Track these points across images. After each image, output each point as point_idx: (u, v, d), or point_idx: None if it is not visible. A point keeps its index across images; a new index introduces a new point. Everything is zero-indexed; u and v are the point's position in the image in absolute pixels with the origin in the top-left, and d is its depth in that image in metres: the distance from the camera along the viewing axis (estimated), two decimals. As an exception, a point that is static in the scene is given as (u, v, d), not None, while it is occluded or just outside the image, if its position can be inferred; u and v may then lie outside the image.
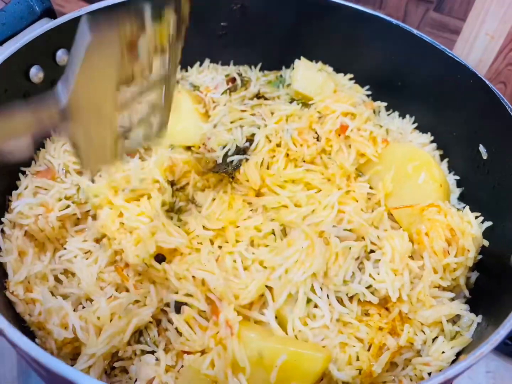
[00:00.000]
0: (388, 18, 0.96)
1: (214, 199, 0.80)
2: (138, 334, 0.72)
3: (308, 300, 0.66)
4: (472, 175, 0.87)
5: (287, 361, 0.60)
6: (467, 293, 0.71)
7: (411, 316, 0.67)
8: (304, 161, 0.84)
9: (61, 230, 0.80)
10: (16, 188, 0.81)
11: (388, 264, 0.69)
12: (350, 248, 0.69)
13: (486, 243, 0.75)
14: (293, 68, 1.01)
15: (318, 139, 0.84)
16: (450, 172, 0.93)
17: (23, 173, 0.84)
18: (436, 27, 1.15)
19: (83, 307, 0.73)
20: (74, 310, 0.70)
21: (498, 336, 0.55)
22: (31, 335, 0.69)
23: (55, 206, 0.78)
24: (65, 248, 0.78)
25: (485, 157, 0.83)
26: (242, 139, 0.85)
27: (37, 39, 0.81)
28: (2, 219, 0.76)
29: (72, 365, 0.66)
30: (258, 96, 0.99)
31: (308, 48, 1.05)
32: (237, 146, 0.84)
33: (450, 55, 0.88)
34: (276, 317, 0.67)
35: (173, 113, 0.91)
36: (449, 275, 0.69)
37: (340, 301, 0.67)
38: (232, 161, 0.82)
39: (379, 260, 0.70)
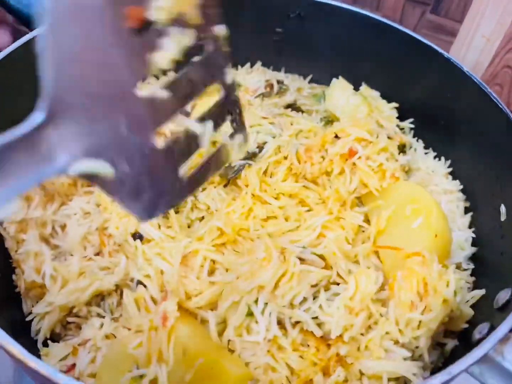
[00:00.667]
0: (446, 54, 0.90)
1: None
2: (101, 299, 0.76)
3: (251, 313, 0.65)
4: (488, 235, 0.78)
5: (203, 366, 0.59)
6: (426, 357, 0.64)
7: (350, 360, 0.62)
8: (305, 179, 0.82)
9: (70, 188, 0.87)
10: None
11: (345, 300, 0.64)
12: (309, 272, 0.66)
13: (470, 312, 0.67)
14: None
15: (324, 159, 0.81)
16: (470, 228, 0.84)
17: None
18: (433, 29, 1.16)
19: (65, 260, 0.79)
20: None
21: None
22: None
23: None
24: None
25: (502, 219, 0.74)
26: (254, 144, 0.85)
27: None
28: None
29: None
30: (293, 106, 0.99)
31: (359, 68, 1.02)
32: (247, 151, 0.85)
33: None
34: (224, 322, 0.67)
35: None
36: (410, 332, 0.63)
37: (281, 323, 0.65)
38: (234, 166, 0.83)
39: (339, 294, 0.66)
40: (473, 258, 0.81)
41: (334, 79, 1.00)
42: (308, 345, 0.63)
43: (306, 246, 0.71)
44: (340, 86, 0.98)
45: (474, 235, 0.82)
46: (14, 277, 0.76)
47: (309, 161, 0.81)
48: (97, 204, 0.85)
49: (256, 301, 0.65)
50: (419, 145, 0.97)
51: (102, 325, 0.70)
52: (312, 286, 0.66)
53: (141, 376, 0.61)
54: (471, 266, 0.80)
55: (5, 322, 0.68)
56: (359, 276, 0.67)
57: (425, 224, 0.71)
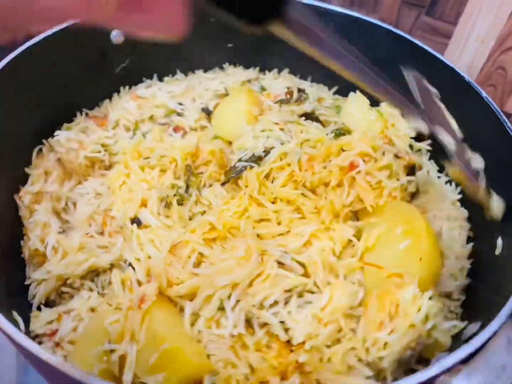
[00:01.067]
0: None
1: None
2: (95, 275, 0.81)
3: (223, 308, 0.67)
4: (484, 267, 0.76)
5: (167, 351, 0.62)
6: (389, 380, 0.63)
7: (309, 369, 0.62)
8: (305, 187, 0.82)
9: (87, 169, 0.93)
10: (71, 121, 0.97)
11: (315, 310, 0.65)
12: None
13: (447, 341, 0.66)
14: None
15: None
16: (470, 258, 0.81)
17: (84, 113, 1.00)
18: (428, 31, 1.18)
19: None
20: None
21: None
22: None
23: (89, 147, 0.92)
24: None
25: (497, 252, 0.71)
26: (261, 148, 0.87)
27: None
28: (44, 141, 0.91)
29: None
30: (311, 116, 1.00)
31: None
32: (253, 154, 0.87)
33: None
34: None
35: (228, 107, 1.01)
36: (376, 352, 0.63)
37: (250, 322, 0.66)
38: (237, 166, 0.85)
39: (311, 302, 0.67)
40: (467, 289, 0.79)
41: (351, 93, 1.00)
42: (271, 348, 0.64)
43: (290, 252, 0.72)
44: (357, 100, 0.98)
45: (470, 266, 0.80)
46: (21, 243, 0.83)
47: (310, 170, 0.81)
48: (109, 187, 0.91)
49: (229, 297, 0.67)
50: (433, 168, 0.95)
51: (89, 298, 0.74)
52: (286, 291, 0.67)
53: (112, 351, 0.64)
54: (463, 297, 0.77)
55: (8, 281, 0.76)
56: (334, 289, 0.68)
57: (412, 247, 0.70)
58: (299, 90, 1.00)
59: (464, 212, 0.87)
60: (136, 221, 0.81)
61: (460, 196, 0.90)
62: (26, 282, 0.78)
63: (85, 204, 0.86)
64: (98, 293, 0.76)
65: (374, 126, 0.93)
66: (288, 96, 1.01)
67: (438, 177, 0.95)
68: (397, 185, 0.79)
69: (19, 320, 0.68)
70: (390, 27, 0.99)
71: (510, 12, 1.02)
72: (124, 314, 0.66)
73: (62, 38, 0.88)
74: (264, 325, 0.67)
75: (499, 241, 0.72)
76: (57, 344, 0.70)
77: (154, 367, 0.63)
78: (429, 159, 0.98)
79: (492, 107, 0.82)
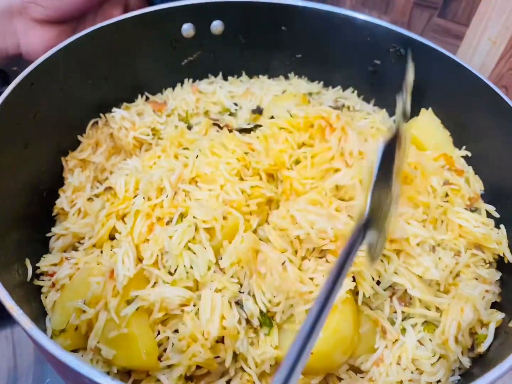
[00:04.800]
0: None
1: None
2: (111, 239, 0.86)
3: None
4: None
5: (124, 335, 0.65)
6: None
7: None
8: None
9: (135, 148, 1.00)
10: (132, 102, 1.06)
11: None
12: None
13: None
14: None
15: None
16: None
17: (145, 97, 1.08)
18: (440, 33, 1.19)
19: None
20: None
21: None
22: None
23: (140, 129, 0.99)
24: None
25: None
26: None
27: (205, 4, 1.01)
28: (101, 115, 1.00)
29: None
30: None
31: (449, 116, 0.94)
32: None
33: None
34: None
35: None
36: None
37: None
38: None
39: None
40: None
41: (423, 109, 0.96)
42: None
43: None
44: (430, 117, 0.95)
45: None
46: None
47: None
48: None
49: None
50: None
51: (90, 254, 0.80)
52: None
53: (84, 312, 0.69)
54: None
55: (37, 232, 0.85)
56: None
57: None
58: (344, 106, 0.98)
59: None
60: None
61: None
62: (47, 235, 0.87)
63: (121, 176, 0.92)
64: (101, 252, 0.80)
65: (444, 145, 0.91)
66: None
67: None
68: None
69: (29, 267, 0.77)
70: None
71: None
72: (105, 280, 0.71)
73: (138, 23, 0.97)
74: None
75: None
76: (53, 285, 0.77)
77: (111, 342, 0.66)
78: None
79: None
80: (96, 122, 1.00)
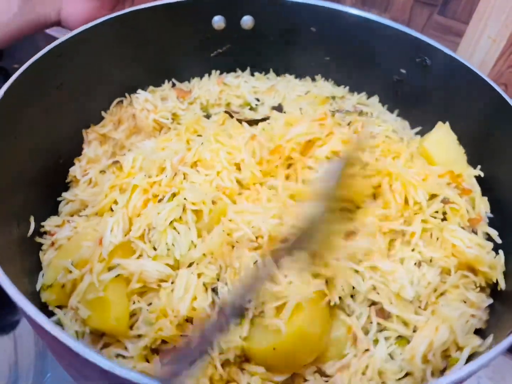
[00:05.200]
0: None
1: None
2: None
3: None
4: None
5: (99, 298, 0.68)
6: None
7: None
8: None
9: (154, 131, 1.04)
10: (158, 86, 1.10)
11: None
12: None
13: None
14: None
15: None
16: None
17: (171, 83, 1.12)
18: (440, 30, 1.20)
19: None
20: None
21: None
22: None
23: (160, 112, 1.03)
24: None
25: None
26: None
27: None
28: (127, 95, 1.05)
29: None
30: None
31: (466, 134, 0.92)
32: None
33: None
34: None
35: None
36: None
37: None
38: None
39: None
40: None
41: (440, 122, 0.94)
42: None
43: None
44: (445, 131, 0.92)
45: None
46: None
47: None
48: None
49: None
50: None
51: (91, 220, 0.83)
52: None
53: (70, 272, 0.73)
54: None
55: (50, 196, 0.91)
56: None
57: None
58: (365, 113, 0.97)
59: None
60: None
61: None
62: (58, 199, 0.92)
63: (132, 154, 0.97)
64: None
65: (457, 162, 0.88)
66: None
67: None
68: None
69: (32, 224, 0.82)
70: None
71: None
72: (94, 245, 0.75)
73: (172, 10, 1.00)
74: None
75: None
76: (52, 244, 0.82)
77: (88, 303, 0.70)
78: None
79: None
80: (121, 101, 1.05)
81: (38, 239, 0.83)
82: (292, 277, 0.67)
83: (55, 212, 0.91)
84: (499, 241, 0.79)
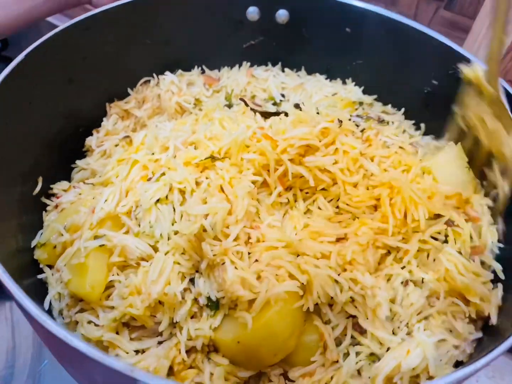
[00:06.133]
0: None
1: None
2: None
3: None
4: None
5: (80, 264, 0.71)
6: None
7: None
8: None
9: (176, 113, 1.06)
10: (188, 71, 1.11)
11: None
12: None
13: None
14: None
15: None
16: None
17: (201, 69, 1.13)
18: (447, 25, 1.21)
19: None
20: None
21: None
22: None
23: (184, 96, 1.04)
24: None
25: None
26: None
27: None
28: (154, 75, 1.07)
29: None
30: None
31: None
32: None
33: None
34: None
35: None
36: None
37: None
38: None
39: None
40: None
41: (451, 142, 0.88)
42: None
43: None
44: (455, 153, 0.85)
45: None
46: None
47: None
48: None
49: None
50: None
51: (96, 189, 0.86)
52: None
53: (61, 234, 0.76)
54: None
55: (68, 163, 0.95)
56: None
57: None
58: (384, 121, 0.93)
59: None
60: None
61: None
62: (72, 165, 0.96)
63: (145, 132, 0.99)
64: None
65: (465, 186, 0.82)
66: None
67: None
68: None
69: (39, 184, 0.86)
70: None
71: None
72: (88, 212, 0.77)
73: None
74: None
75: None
76: (56, 206, 0.85)
77: (71, 267, 0.72)
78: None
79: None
80: (148, 81, 1.08)
81: (44, 200, 0.87)
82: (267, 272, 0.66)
83: (68, 178, 0.95)
84: (502, 276, 0.73)
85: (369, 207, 0.75)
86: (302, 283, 0.66)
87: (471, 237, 0.74)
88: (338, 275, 0.67)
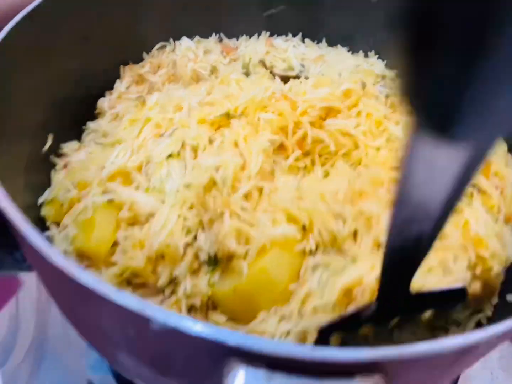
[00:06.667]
0: None
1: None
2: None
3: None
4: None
5: (88, 219, 0.69)
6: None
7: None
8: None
9: (191, 80, 1.03)
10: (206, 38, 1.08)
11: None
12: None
13: None
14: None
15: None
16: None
17: (219, 37, 1.10)
18: None
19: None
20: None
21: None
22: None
23: (199, 63, 1.01)
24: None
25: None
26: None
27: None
28: (171, 40, 1.04)
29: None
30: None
31: None
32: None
33: None
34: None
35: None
36: None
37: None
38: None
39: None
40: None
41: None
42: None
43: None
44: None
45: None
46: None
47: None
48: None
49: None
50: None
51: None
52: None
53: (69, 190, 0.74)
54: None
55: (76, 124, 0.93)
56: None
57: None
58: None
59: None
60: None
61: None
62: (84, 127, 0.94)
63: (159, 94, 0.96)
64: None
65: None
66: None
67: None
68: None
69: (49, 141, 0.84)
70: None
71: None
72: (98, 169, 0.74)
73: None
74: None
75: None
76: (65, 165, 0.83)
77: (77, 223, 0.70)
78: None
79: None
80: (165, 46, 1.05)
81: (53, 159, 0.85)
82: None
83: (79, 140, 0.92)
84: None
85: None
86: (303, 226, 0.63)
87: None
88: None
